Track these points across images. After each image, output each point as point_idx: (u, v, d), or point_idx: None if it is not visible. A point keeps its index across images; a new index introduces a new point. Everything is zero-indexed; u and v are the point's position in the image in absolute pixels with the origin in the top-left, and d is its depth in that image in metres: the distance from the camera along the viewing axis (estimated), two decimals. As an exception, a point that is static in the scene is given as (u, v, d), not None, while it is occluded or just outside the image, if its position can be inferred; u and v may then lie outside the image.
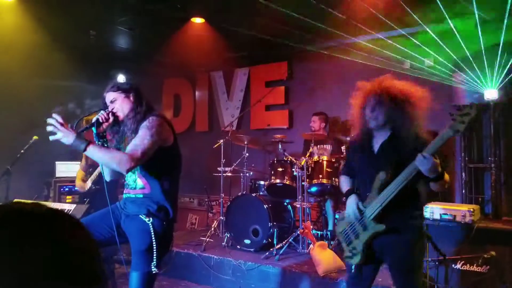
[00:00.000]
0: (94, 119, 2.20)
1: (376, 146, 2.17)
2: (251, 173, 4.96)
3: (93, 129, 2.18)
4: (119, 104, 2.25)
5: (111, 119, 2.24)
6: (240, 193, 4.67)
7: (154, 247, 2.13)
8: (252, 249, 4.24)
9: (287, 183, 4.36)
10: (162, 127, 2.19)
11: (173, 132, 2.29)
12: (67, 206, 3.83)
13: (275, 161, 4.51)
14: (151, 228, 2.14)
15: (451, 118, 1.90)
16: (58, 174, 5.91)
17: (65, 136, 2.02)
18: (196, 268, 4.16)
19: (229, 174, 4.95)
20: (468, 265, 3.18)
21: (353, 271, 2.22)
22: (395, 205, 2.03)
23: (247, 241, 4.31)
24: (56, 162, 5.99)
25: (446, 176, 2.02)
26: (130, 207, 2.28)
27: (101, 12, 5.14)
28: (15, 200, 3.95)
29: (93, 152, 2.05)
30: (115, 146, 2.30)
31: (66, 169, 6.07)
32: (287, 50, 6.07)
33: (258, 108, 6.14)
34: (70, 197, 5.76)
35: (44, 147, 5.58)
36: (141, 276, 2.13)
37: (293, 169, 4.37)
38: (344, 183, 2.39)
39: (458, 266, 3.21)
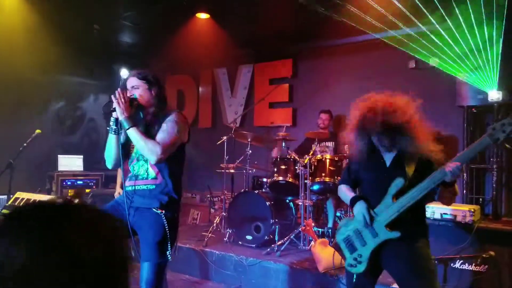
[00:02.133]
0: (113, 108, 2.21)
1: (387, 159, 2.13)
2: (254, 170, 4.97)
3: (112, 118, 2.23)
4: (139, 93, 2.26)
5: (135, 104, 2.23)
6: (242, 190, 4.68)
7: (168, 238, 2.19)
8: (253, 245, 4.26)
9: (290, 180, 4.37)
10: (185, 124, 2.30)
11: (188, 130, 2.37)
12: (70, 200, 3.87)
13: (278, 159, 4.53)
14: (165, 220, 2.20)
15: (490, 127, 1.86)
16: (60, 168, 5.93)
17: (121, 111, 2.14)
18: (197, 263, 4.18)
19: (232, 170, 4.96)
20: (466, 264, 3.20)
21: (354, 280, 2.15)
22: (408, 212, 2.00)
23: (248, 237, 4.33)
24: (59, 156, 6.01)
25: (456, 187, 2.05)
26: (139, 200, 2.28)
27: (105, 7, 5.15)
28: (18, 194, 3.98)
29: (134, 133, 2.15)
30: (123, 140, 2.33)
31: (68, 163, 6.09)
32: (292, 48, 6.08)
33: (262, 105, 6.15)
34: (72, 191, 5.79)
35: (46, 141, 5.65)
36: (154, 266, 2.18)
37: (296, 167, 4.38)
38: (346, 191, 2.30)
39: (457, 265, 3.23)
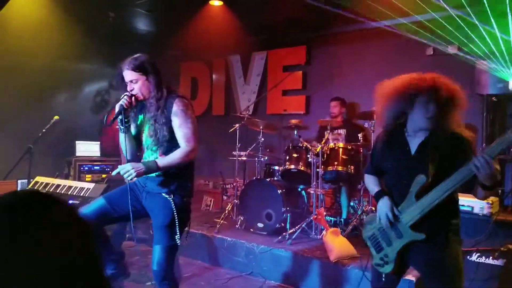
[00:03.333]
0: (118, 107, 2.23)
1: (413, 146, 1.96)
2: (266, 158, 4.97)
3: (120, 117, 2.25)
4: (139, 86, 2.27)
5: (134, 102, 2.28)
6: (254, 178, 4.69)
7: (176, 222, 2.25)
8: (265, 233, 4.28)
9: (302, 169, 4.35)
10: (190, 108, 2.31)
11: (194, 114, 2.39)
12: (87, 185, 3.94)
13: (290, 147, 4.50)
14: (173, 205, 2.27)
15: None
16: (78, 154, 6.05)
17: (139, 172, 2.17)
18: (209, 249, 4.23)
19: (244, 158, 4.97)
20: (483, 257, 3.13)
21: (383, 279, 2.07)
22: (435, 212, 1.86)
23: (260, 225, 4.35)
24: (76, 142, 6.13)
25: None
26: (150, 185, 2.36)
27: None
28: (38, 178, 4.09)
29: (165, 165, 2.22)
30: (135, 132, 2.41)
31: (86, 148, 6.21)
32: (306, 34, 5.98)
33: (275, 92, 6.10)
34: (89, 176, 5.91)
35: (65, 126, 5.76)
36: (164, 249, 2.26)
37: (308, 155, 4.35)
38: (371, 183, 2.17)
39: (474, 258, 3.17)
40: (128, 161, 2.46)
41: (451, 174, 1.81)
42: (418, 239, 1.90)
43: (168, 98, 2.28)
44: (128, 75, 2.26)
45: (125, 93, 2.26)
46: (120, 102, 2.24)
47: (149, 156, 2.37)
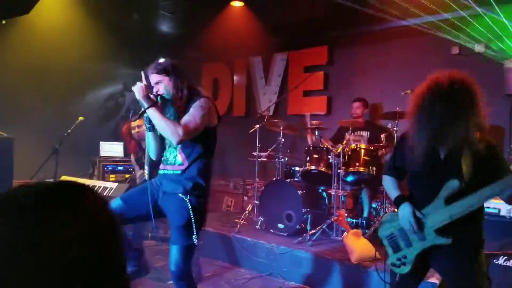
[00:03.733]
0: (143, 109, 2.28)
1: (442, 151, 1.90)
2: (286, 158, 4.96)
3: (145, 115, 2.29)
4: (163, 87, 2.33)
5: (159, 102, 2.32)
6: (274, 178, 4.69)
7: (193, 222, 2.26)
8: (285, 234, 4.27)
9: (323, 170, 4.32)
10: (211, 108, 2.32)
11: (217, 114, 2.41)
12: (110, 184, 4.04)
13: (311, 148, 4.48)
14: (189, 205, 2.27)
15: None
16: (102, 154, 6.19)
17: (138, 92, 2.20)
18: (230, 249, 4.26)
19: (264, 159, 4.97)
20: (511, 261, 3.03)
21: (397, 279, 2.04)
22: (462, 218, 1.81)
23: (280, 226, 4.34)
24: (101, 142, 6.27)
25: None
26: (166, 185, 2.38)
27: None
28: (63, 177, 4.21)
29: (154, 114, 2.20)
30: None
31: (110, 149, 6.34)
32: (328, 34, 5.93)
33: (296, 93, 6.08)
34: (113, 176, 6.03)
35: (89, 127, 5.91)
36: (181, 249, 2.27)
37: (329, 156, 4.32)
38: (391, 186, 2.11)
39: (500, 262, 3.07)
40: (152, 162, 2.52)
41: (484, 181, 1.77)
42: (443, 243, 1.85)
43: (194, 96, 2.32)
44: (153, 78, 2.35)
45: (151, 93, 2.31)
46: (144, 104, 2.28)
47: (170, 153, 2.40)
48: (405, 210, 1.95)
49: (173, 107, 2.33)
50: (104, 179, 5.82)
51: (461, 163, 1.82)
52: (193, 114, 2.23)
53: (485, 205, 3.13)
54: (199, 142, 2.32)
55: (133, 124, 4.06)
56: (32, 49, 5.66)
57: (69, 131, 4.49)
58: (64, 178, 4.30)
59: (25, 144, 5.39)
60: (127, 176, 6.02)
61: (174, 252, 2.27)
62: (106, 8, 5.47)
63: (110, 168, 6.05)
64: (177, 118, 2.31)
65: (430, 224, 1.88)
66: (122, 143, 6.52)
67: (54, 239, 0.55)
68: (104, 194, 3.86)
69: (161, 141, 2.44)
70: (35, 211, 0.56)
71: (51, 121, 5.73)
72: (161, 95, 2.32)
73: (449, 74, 1.85)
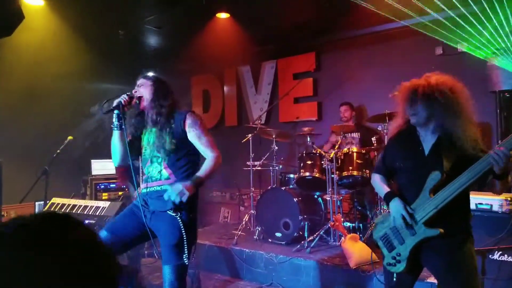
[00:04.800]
0: (116, 102, 2.30)
1: (426, 146, 1.99)
2: (280, 166, 4.96)
3: (116, 111, 2.30)
4: (143, 89, 2.37)
5: (134, 100, 2.34)
6: (269, 187, 4.69)
7: (185, 240, 2.22)
8: (283, 242, 4.26)
9: (317, 175, 4.33)
10: (202, 121, 2.38)
11: None
12: (102, 204, 3.99)
13: (304, 154, 4.49)
14: (181, 223, 2.22)
15: None
16: (94, 172, 6.12)
17: (189, 188, 2.18)
18: (228, 261, 4.23)
19: (259, 168, 4.97)
20: (506, 255, 3.06)
21: (394, 279, 2.07)
22: (448, 207, 1.87)
23: (278, 234, 4.33)
24: (92, 161, 6.20)
25: (509, 178, 1.83)
26: (154, 204, 2.32)
27: (129, 12, 5.26)
28: (54, 200, 4.14)
29: (207, 175, 2.27)
30: (132, 133, 2.41)
31: (102, 167, 6.27)
32: (315, 41, 6.00)
33: (287, 101, 6.12)
34: (106, 194, 5.96)
35: (79, 146, 5.84)
36: (174, 268, 2.22)
37: (322, 162, 4.34)
38: (380, 182, 2.19)
39: (496, 256, 3.10)
40: (119, 167, 2.50)
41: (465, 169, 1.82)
42: (433, 235, 1.90)
43: (176, 112, 2.34)
44: (139, 81, 2.42)
45: (127, 93, 2.34)
46: (120, 98, 2.30)
47: (154, 168, 2.34)
48: (396, 204, 2.01)
49: (149, 121, 2.35)
50: (96, 198, 5.75)
51: (442, 156, 1.90)
52: (201, 138, 2.31)
53: (478, 201, 3.21)
54: (183, 155, 2.32)
55: None
56: (17, 70, 5.59)
57: (58, 151, 4.42)
58: (54, 200, 4.23)
59: (14, 167, 5.31)
60: (120, 193, 5.96)
61: (167, 272, 2.23)
62: (91, 25, 5.45)
63: (102, 187, 5.98)
64: (150, 133, 2.33)
65: (419, 217, 1.94)
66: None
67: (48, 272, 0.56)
68: (97, 214, 3.81)
69: (130, 146, 2.35)
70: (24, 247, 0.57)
71: (40, 142, 5.65)
72: (139, 97, 2.35)
73: (431, 76, 1.95)
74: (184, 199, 2.14)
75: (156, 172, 2.33)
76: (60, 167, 4.95)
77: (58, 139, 4.61)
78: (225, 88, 7.23)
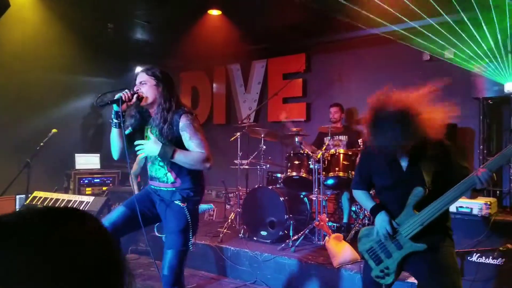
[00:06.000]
0: (117, 96, 2.23)
1: (403, 162, 2.01)
2: (268, 165, 4.99)
3: (114, 106, 2.23)
4: (146, 89, 2.29)
5: (134, 99, 2.25)
6: (256, 186, 4.71)
7: (190, 228, 2.32)
8: (268, 241, 4.29)
9: (304, 176, 4.37)
10: (197, 122, 2.35)
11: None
12: (86, 198, 3.94)
13: (292, 154, 4.53)
14: (187, 212, 2.32)
15: None
16: (77, 166, 6.02)
17: (152, 149, 2.20)
18: (213, 259, 4.23)
19: (246, 166, 4.99)
20: (484, 257, 3.16)
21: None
22: (432, 222, 1.92)
23: (263, 233, 4.35)
24: (76, 155, 6.10)
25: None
26: (163, 194, 2.41)
27: (118, 5, 5.19)
28: (36, 193, 4.07)
29: (179, 157, 2.22)
30: (134, 126, 2.40)
31: (85, 161, 6.17)
32: (305, 42, 6.04)
33: (276, 100, 6.14)
34: (89, 189, 5.88)
35: (63, 140, 5.75)
36: (177, 253, 2.30)
37: (309, 162, 4.38)
38: (364, 198, 2.23)
39: (474, 258, 3.19)
40: (118, 158, 2.48)
41: (446, 183, 1.89)
42: (419, 249, 1.95)
43: (175, 113, 2.28)
44: (141, 76, 2.32)
45: (130, 89, 2.26)
46: (120, 93, 2.23)
47: (157, 170, 2.39)
48: (381, 218, 2.04)
49: (151, 121, 2.33)
50: (80, 192, 5.67)
51: (421, 171, 1.93)
52: (194, 138, 2.26)
53: (458, 204, 3.30)
54: None
55: None
56: (3, 61, 5.49)
57: (41, 144, 4.33)
58: (37, 193, 4.15)
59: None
60: (104, 188, 5.89)
61: (170, 256, 2.29)
62: (80, 18, 5.38)
63: (86, 181, 5.89)
64: (152, 133, 2.32)
65: (405, 233, 1.98)
66: (99, 154, 6.37)
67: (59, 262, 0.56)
68: (81, 208, 3.76)
69: (128, 141, 2.36)
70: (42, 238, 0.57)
71: (23, 134, 5.54)
72: (140, 95, 2.28)
73: (388, 95, 1.96)
74: (139, 151, 2.24)
75: (162, 174, 2.38)
76: (43, 160, 4.86)
77: (42, 132, 4.53)
78: (214, 86, 7.22)
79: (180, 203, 2.32)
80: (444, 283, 1.91)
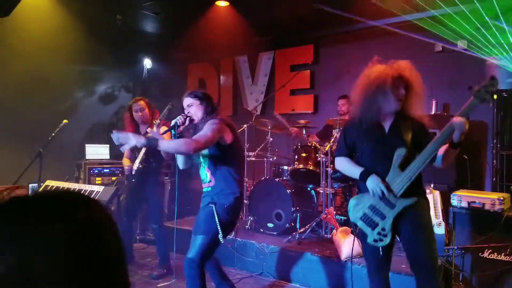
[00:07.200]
0: (173, 122, 2.60)
1: (386, 126, 2.24)
2: (275, 158, 4.96)
3: (172, 131, 2.59)
4: (194, 110, 2.66)
5: (187, 122, 2.64)
6: (263, 178, 4.69)
7: (216, 223, 2.53)
8: (275, 233, 4.28)
9: (311, 168, 4.34)
10: (221, 127, 2.57)
11: (232, 132, 2.64)
12: (96, 188, 3.97)
13: (299, 147, 4.50)
14: (214, 210, 2.56)
15: (474, 90, 2.09)
16: (87, 157, 6.09)
17: (138, 141, 2.44)
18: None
19: (253, 158, 4.97)
20: (495, 254, 3.10)
21: (381, 254, 2.20)
22: (412, 183, 2.13)
23: (270, 225, 4.35)
24: (86, 145, 6.17)
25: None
26: (203, 200, 2.73)
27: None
28: (48, 182, 4.12)
29: (164, 145, 2.48)
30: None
31: (95, 151, 6.25)
32: (313, 33, 5.97)
33: (283, 92, 6.09)
34: (99, 178, 5.94)
35: (74, 130, 5.80)
36: (207, 239, 2.53)
37: (317, 155, 4.34)
38: (349, 164, 2.33)
39: (485, 254, 3.14)
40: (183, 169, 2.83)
41: (421, 146, 2.12)
42: (410, 203, 2.14)
43: (212, 116, 2.63)
44: (186, 101, 2.69)
45: (182, 114, 2.64)
46: (176, 119, 2.60)
47: (202, 171, 2.71)
48: (373, 179, 2.18)
49: (197, 128, 2.62)
50: (90, 182, 5.73)
51: (403, 135, 2.17)
52: (204, 130, 2.51)
53: (471, 200, 3.24)
54: (218, 158, 2.60)
55: (140, 104, 3.90)
56: (13, 51, 5.53)
57: (53, 134, 4.39)
58: (49, 182, 4.21)
59: (8, 149, 5.27)
60: (113, 178, 5.94)
61: (199, 241, 2.51)
62: (89, 9, 5.39)
63: (96, 171, 5.97)
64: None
65: (397, 190, 2.15)
66: (108, 145, 6.43)
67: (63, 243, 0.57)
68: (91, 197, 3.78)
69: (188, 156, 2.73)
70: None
71: (34, 124, 5.60)
72: (191, 118, 2.65)
73: (401, 63, 2.35)
74: (126, 146, 2.48)
75: (204, 175, 2.69)
76: (54, 150, 4.92)
77: (54, 122, 4.58)
78: (221, 78, 7.19)
79: (210, 205, 2.58)
80: (423, 238, 2.15)
